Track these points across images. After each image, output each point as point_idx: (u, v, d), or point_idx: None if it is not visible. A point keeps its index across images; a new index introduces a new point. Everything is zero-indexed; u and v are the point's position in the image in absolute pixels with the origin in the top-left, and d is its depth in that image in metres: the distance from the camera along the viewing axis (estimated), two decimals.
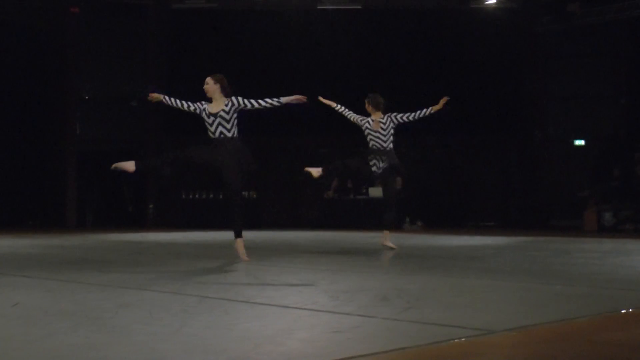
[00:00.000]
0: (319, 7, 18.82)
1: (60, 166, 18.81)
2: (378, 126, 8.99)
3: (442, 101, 9.01)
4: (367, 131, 9.05)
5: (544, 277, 5.88)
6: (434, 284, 5.36)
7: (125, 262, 7.67)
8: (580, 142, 19.20)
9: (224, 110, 7.42)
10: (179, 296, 4.61)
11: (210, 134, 7.38)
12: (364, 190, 18.20)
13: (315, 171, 8.21)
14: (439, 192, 19.15)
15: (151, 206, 18.96)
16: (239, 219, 7.29)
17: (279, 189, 19.52)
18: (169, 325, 3.44)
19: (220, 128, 7.33)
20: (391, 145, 9.15)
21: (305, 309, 4.03)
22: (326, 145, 19.80)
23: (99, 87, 19.07)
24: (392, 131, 9.08)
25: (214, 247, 9.97)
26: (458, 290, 4.94)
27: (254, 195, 18.54)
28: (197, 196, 18.06)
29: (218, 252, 9.05)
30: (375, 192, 18.01)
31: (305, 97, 7.39)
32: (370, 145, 9.05)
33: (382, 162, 9.06)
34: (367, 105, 9.17)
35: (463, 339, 3.12)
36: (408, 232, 15.81)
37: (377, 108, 9.12)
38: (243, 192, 18.32)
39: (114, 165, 7.25)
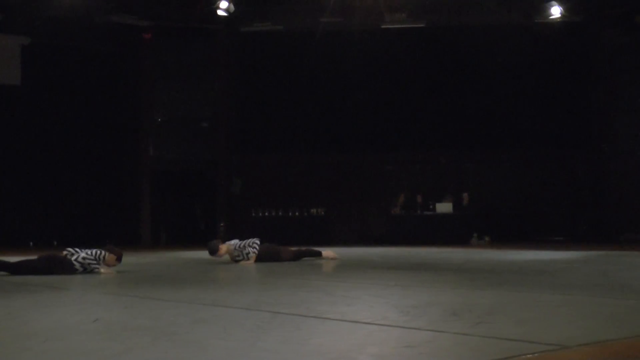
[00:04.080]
0: (382, 27, 18.89)
1: (134, 186, 19.31)
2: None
3: None
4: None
5: (617, 292, 5.78)
6: (505, 298, 5.31)
7: (199, 278, 7.81)
8: None
9: None
10: (252, 312, 4.68)
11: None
12: (431, 207, 18.16)
13: None
14: (506, 206, 18.93)
15: (222, 224, 19.24)
16: None
17: (346, 206, 19.59)
18: (243, 341, 3.49)
19: None
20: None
21: (376, 324, 4.04)
22: (392, 162, 19.83)
23: (171, 109, 19.53)
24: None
25: (284, 264, 10.05)
26: (529, 305, 4.88)
27: (322, 212, 18.68)
28: (266, 214, 18.26)
29: (288, 268, 9.12)
30: (443, 207, 17.96)
31: None
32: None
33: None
34: None
35: (536, 354, 3.09)
36: (475, 247, 15.66)
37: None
38: (312, 210, 18.51)
39: None
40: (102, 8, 17.74)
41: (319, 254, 10.93)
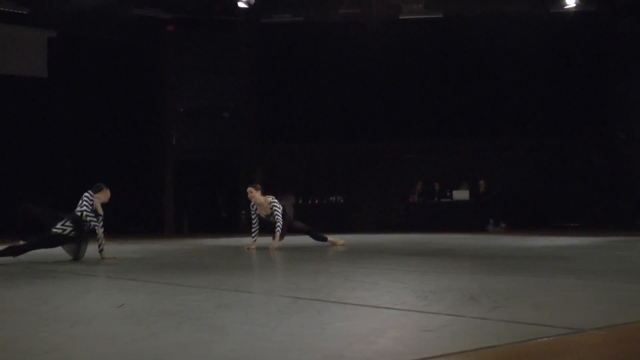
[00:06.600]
0: (400, 17, 18.90)
1: (158, 175, 19.48)
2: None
3: None
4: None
5: (633, 277, 5.79)
6: (521, 283, 5.32)
7: (222, 265, 7.88)
8: None
9: None
10: (274, 297, 4.76)
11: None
12: (448, 194, 18.21)
13: None
14: (522, 193, 18.95)
15: (243, 212, 19.37)
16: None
17: (365, 193, 19.66)
18: (265, 325, 3.54)
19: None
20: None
21: (395, 308, 4.08)
22: (410, 151, 19.88)
23: (193, 99, 19.71)
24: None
25: (304, 250, 10.12)
26: (546, 290, 4.90)
27: (342, 200, 18.76)
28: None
29: (308, 255, 9.20)
30: (460, 195, 17.99)
31: None
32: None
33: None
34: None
35: (552, 338, 3.11)
36: (492, 233, 15.66)
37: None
38: (331, 197, 18.57)
39: None
40: (126, 1, 17.93)
41: (324, 239, 10.91)
